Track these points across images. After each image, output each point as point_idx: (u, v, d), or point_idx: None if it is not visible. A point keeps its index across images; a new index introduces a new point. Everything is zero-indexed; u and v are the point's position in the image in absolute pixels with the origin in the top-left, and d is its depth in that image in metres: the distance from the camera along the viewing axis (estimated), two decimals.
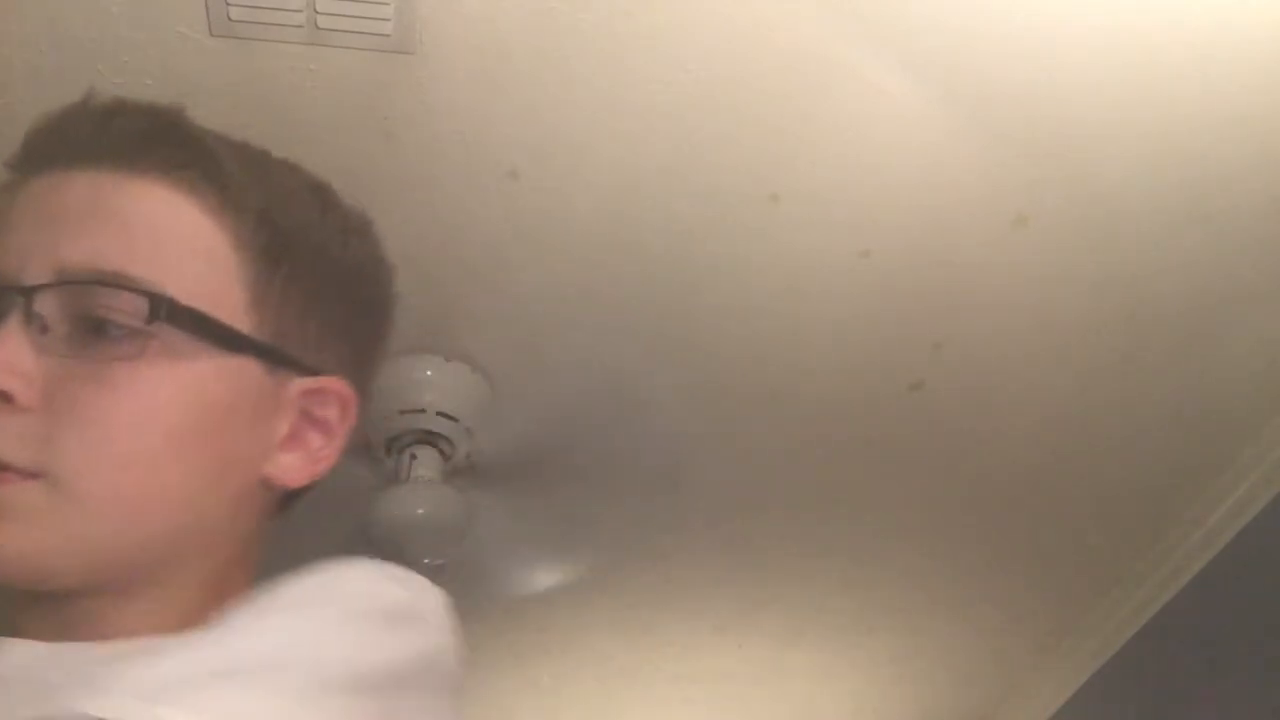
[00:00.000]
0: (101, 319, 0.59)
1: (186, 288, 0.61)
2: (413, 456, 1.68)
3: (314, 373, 0.66)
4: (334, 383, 0.67)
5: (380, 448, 1.71)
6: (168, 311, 0.60)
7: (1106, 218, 1.48)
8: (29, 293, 0.59)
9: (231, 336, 0.62)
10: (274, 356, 0.64)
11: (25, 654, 0.59)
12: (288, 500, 0.69)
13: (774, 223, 1.46)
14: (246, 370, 0.63)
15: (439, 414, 1.67)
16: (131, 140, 0.64)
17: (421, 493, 1.65)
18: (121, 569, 0.61)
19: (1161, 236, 1.50)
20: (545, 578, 2.14)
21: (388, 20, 1.21)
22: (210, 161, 0.65)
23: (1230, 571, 1.98)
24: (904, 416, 1.77)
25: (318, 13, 1.20)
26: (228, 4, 1.18)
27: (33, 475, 0.58)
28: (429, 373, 1.66)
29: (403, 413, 1.67)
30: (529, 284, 1.54)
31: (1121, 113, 1.35)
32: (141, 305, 0.59)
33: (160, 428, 0.60)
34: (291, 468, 0.66)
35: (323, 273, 0.67)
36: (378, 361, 0.72)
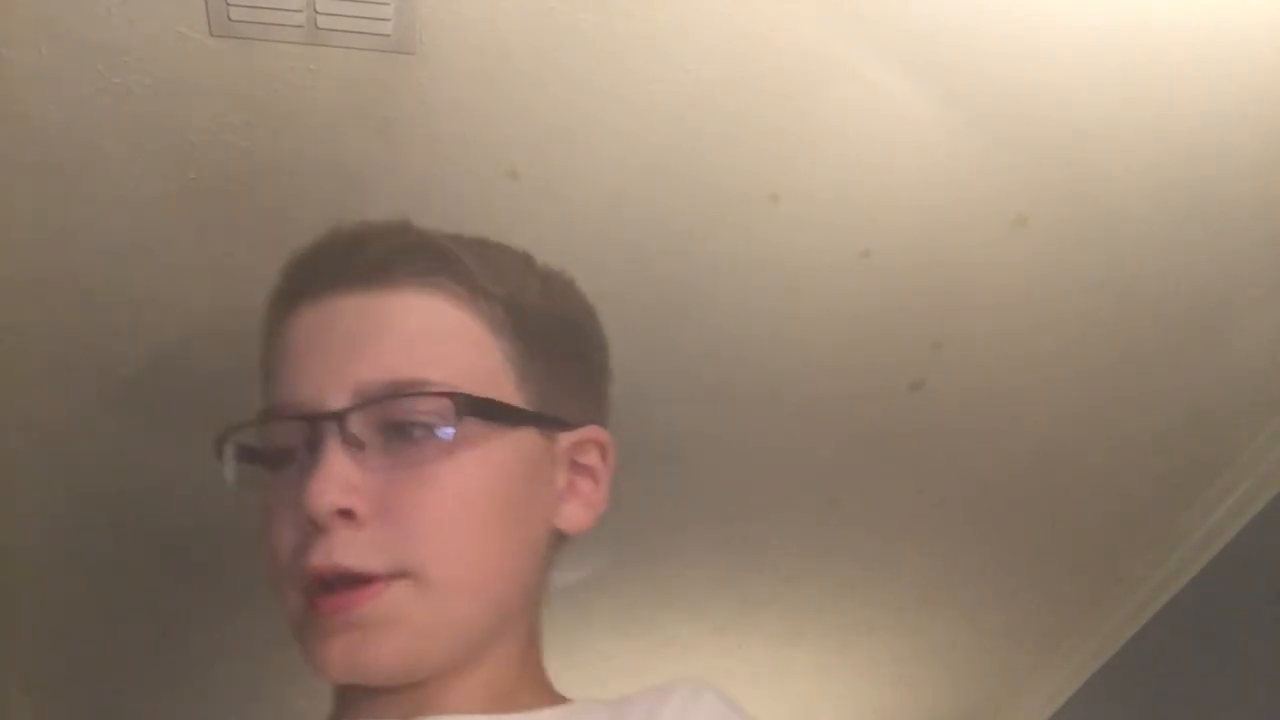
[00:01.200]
0: (409, 424, 0.66)
1: (470, 379, 0.68)
2: None
3: (574, 426, 0.74)
4: (591, 431, 0.76)
5: None
6: (467, 406, 0.66)
7: (1106, 218, 1.48)
8: (341, 416, 0.65)
9: (516, 414, 0.69)
10: (545, 422, 0.72)
11: None
12: (563, 546, 0.78)
13: (774, 223, 1.46)
14: (529, 440, 0.71)
15: None
16: (383, 260, 0.71)
17: None
18: (471, 647, 0.69)
19: (1161, 236, 1.50)
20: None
21: (388, 20, 1.21)
22: (455, 263, 0.72)
23: (1230, 571, 1.98)
24: (904, 416, 1.77)
25: (318, 13, 1.20)
26: (228, 4, 1.18)
27: (394, 578, 0.64)
28: None
29: None
30: None
31: (1121, 113, 1.35)
32: (444, 405, 0.66)
33: (481, 508, 0.67)
34: (574, 516, 0.75)
35: (558, 336, 0.76)
36: (609, 401, 0.81)
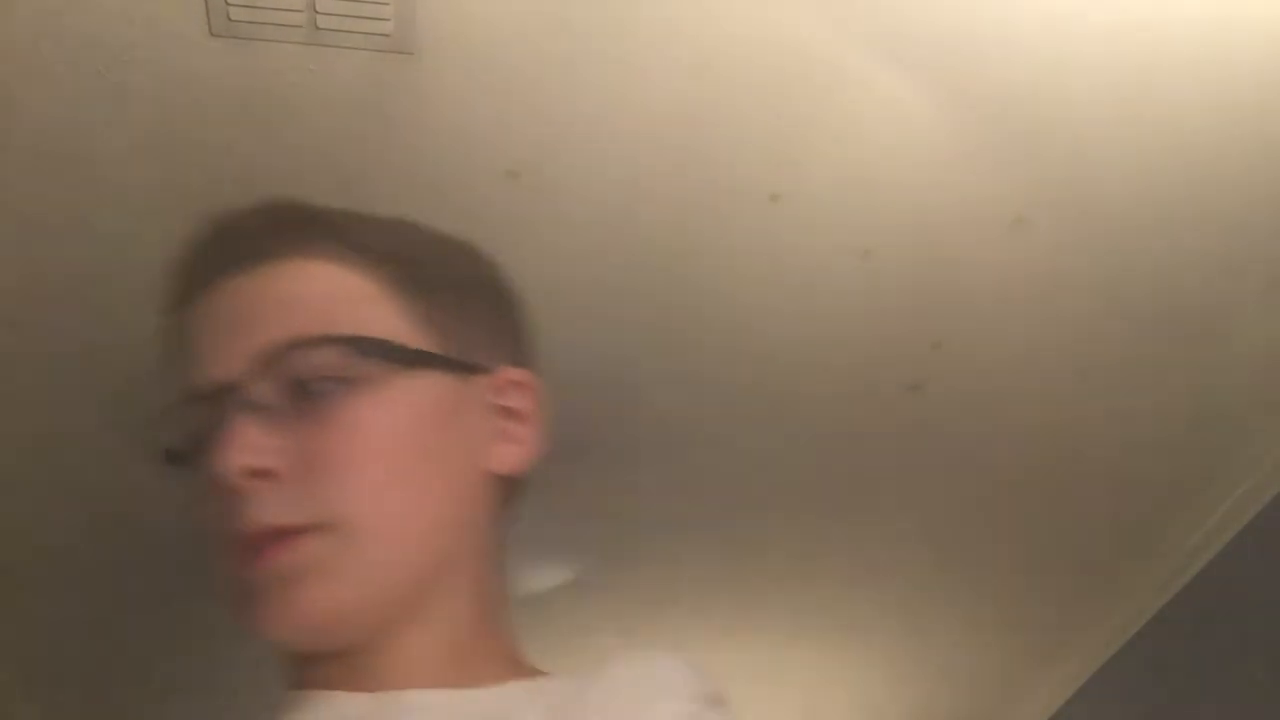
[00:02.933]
0: (309, 378, 0.67)
1: (364, 330, 0.69)
2: None
3: (494, 370, 0.75)
4: (514, 373, 0.77)
5: None
6: (364, 348, 0.68)
7: (1106, 218, 1.48)
8: (240, 385, 0.67)
9: (416, 355, 0.70)
10: (455, 365, 0.72)
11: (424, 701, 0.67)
12: (509, 497, 0.78)
13: (774, 223, 1.46)
14: (440, 383, 0.71)
15: None
16: (264, 236, 0.72)
17: None
18: (407, 596, 0.68)
19: (1161, 236, 1.50)
20: (545, 577, 2.14)
21: (388, 20, 1.21)
22: (337, 228, 0.74)
23: (1230, 572, 1.98)
24: (903, 416, 1.77)
25: (318, 13, 1.20)
26: (228, 4, 1.18)
27: (318, 529, 0.65)
28: None
29: None
30: (529, 284, 1.53)
31: (1121, 113, 1.35)
32: (341, 351, 0.67)
33: (394, 450, 0.68)
34: (507, 457, 0.75)
35: (457, 287, 0.76)
36: (533, 352, 0.83)
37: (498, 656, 0.74)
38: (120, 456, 1.66)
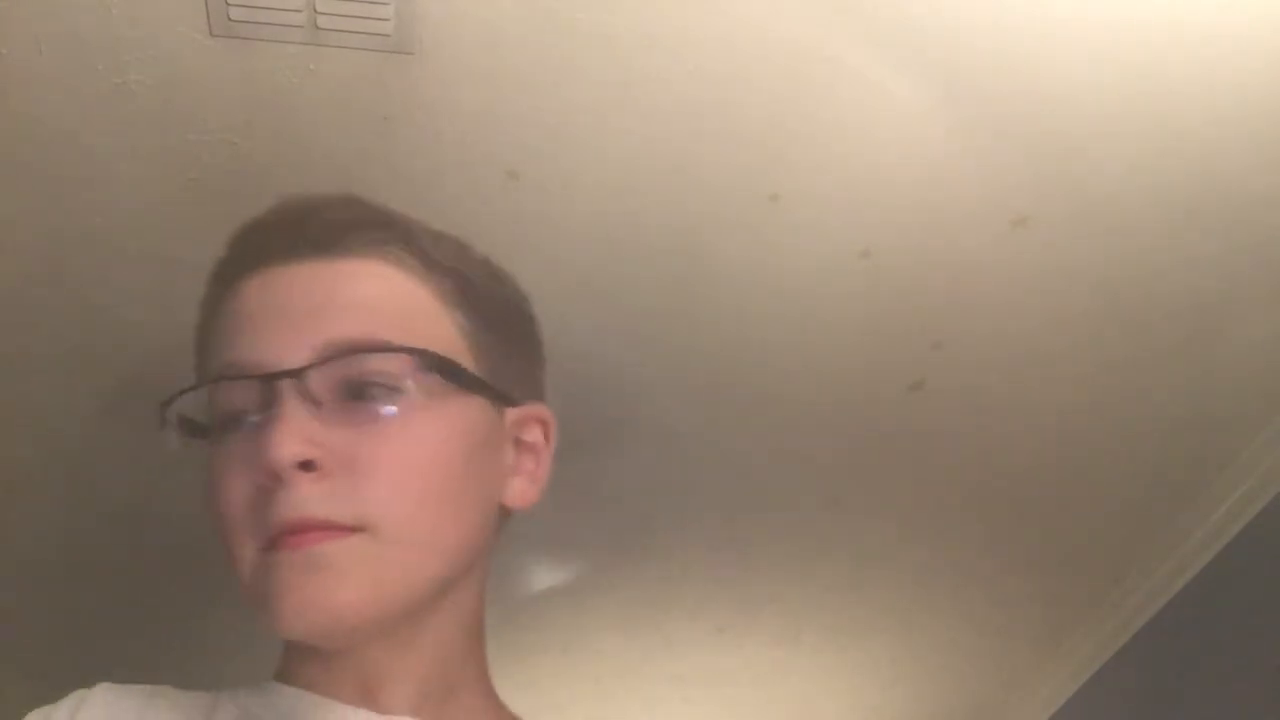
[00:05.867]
0: (367, 383, 0.67)
1: (427, 343, 0.69)
2: None
3: (520, 403, 0.75)
4: (535, 409, 0.77)
5: None
6: (429, 363, 0.67)
7: (1106, 218, 1.48)
8: (301, 373, 0.66)
9: (472, 379, 0.70)
10: (496, 394, 0.72)
11: None
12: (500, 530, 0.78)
13: (774, 223, 1.46)
14: (481, 409, 0.71)
15: None
16: (336, 229, 0.71)
17: None
18: (416, 606, 0.68)
19: (1161, 236, 1.50)
20: (545, 578, 2.14)
21: (388, 20, 1.21)
22: (406, 234, 0.74)
23: (1230, 572, 1.98)
24: (904, 416, 1.77)
25: (318, 13, 1.20)
26: (228, 4, 1.18)
27: (353, 529, 0.64)
28: None
29: None
30: (529, 283, 1.53)
31: (1121, 112, 1.35)
32: (405, 362, 0.67)
33: (438, 467, 0.68)
34: (519, 491, 0.75)
35: (504, 314, 0.77)
36: (545, 387, 0.82)
37: (479, 698, 0.74)
38: (123, 457, 1.66)
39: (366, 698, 0.69)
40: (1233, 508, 1.94)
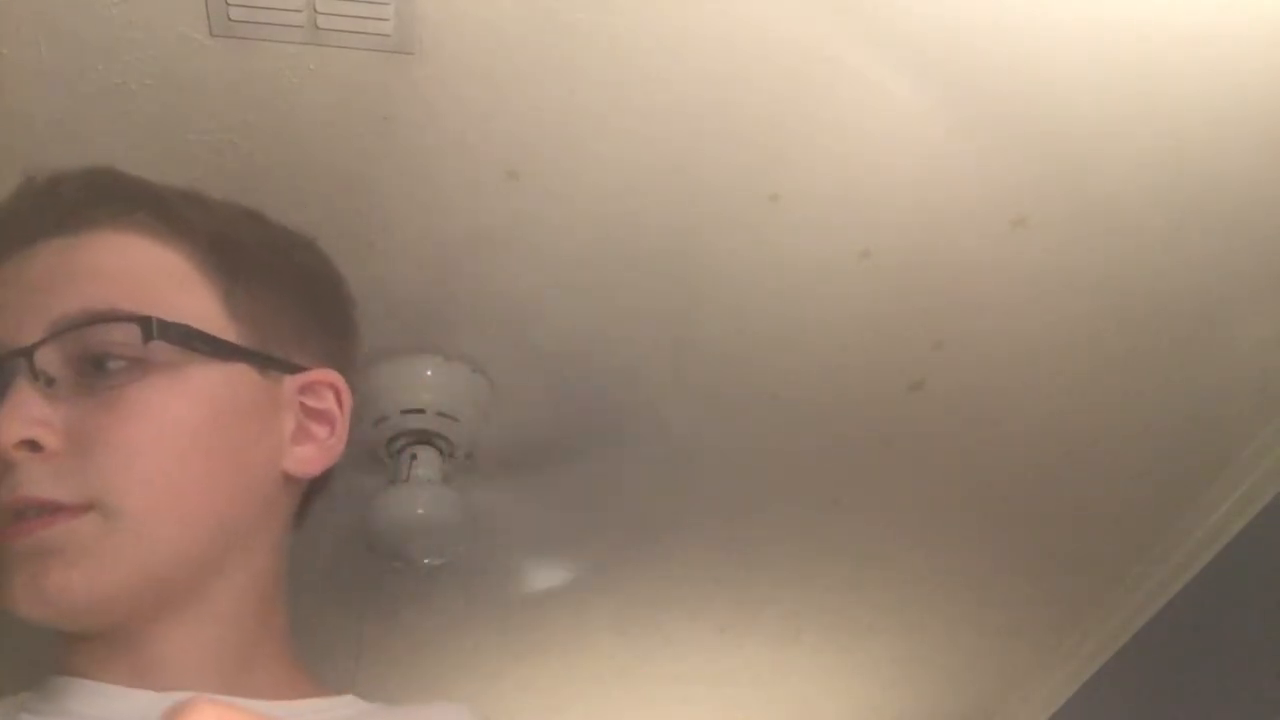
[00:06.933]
0: (101, 354, 0.64)
1: (168, 311, 0.66)
2: (413, 456, 1.68)
3: (302, 369, 0.71)
4: (323, 374, 0.72)
5: (380, 448, 1.71)
6: (158, 330, 0.64)
7: (1106, 218, 1.48)
8: (30, 350, 0.64)
9: (218, 345, 0.67)
10: (261, 359, 0.69)
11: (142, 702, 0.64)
12: (306, 501, 0.74)
13: (774, 223, 1.46)
14: (241, 375, 0.68)
15: (439, 414, 1.67)
16: (80, 203, 0.69)
17: (421, 493, 1.65)
18: (174, 587, 0.65)
19: (1161, 236, 1.50)
20: (545, 578, 2.14)
21: (388, 20, 1.21)
22: (152, 201, 0.70)
23: (1230, 571, 1.98)
24: (904, 416, 1.77)
25: (318, 13, 1.20)
26: (228, 4, 1.18)
27: (83, 509, 0.62)
28: (429, 373, 1.66)
29: (403, 413, 1.67)
30: (529, 284, 1.54)
31: (1121, 112, 1.35)
32: (134, 331, 0.64)
33: (179, 439, 0.65)
34: (306, 459, 0.71)
35: (279, 279, 0.72)
36: (355, 357, 0.78)
37: (281, 669, 0.71)
38: None
39: (145, 677, 0.66)
40: (1233, 508, 1.94)
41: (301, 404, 0.71)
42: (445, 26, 1.23)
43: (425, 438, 1.69)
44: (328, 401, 0.72)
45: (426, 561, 1.71)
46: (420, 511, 1.64)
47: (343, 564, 1.93)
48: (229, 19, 1.19)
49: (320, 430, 0.72)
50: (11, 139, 1.28)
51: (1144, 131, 1.37)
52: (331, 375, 0.73)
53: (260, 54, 1.23)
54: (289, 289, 0.73)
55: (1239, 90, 1.32)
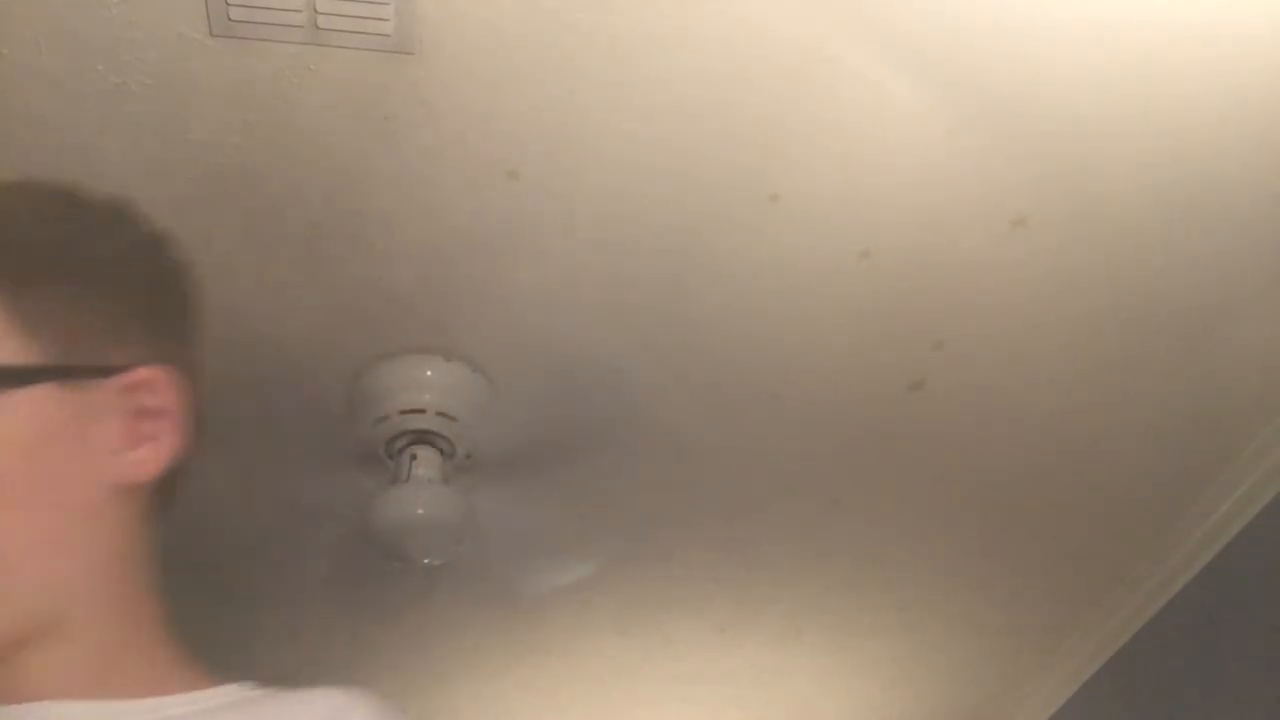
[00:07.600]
0: None
1: None
2: (413, 456, 1.68)
3: (119, 369, 0.65)
4: (144, 372, 0.66)
5: (380, 448, 1.71)
6: None
7: (1106, 218, 1.48)
8: None
9: (8, 373, 0.61)
10: (65, 373, 0.63)
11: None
12: (159, 500, 0.69)
13: (774, 223, 1.46)
14: (45, 396, 0.62)
15: (439, 414, 1.67)
16: None
17: (421, 493, 1.65)
18: (19, 628, 0.61)
19: (1161, 236, 1.50)
20: (545, 578, 2.14)
21: (388, 20, 1.21)
22: None
23: (1230, 571, 1.98)
24: (904, 416, 1.77)
25: (318, 13, 1.20)
26: (228, 4, 1.18)
27: None
28: (429, 373, 1.66)
29: (403, 413, 1.67)
30: (529, 284, 1.54)
31: (1121, 112, 1.35)
32: None
33: None
34: (141, 462, 0.65)
35: (81, 274, 0.66)
36: (190, 330, 0.71)
37: (155, 665, 0.68)
38: None
39: (9, 695, 0.63)
40: (1233, 508, 1.94)
41: (128, 405, 0.65)
42: (445, 26, 1.23)
43: (425, 438, 1.69)
44: (160, 397, 0.66)
45: (426, 561, 1.71)
46: (420, 511, 1.64)
47: (343, 564, 1.93)
48: (229, 19, 1.19)
49: (156, 428, 0.66)
50: (11, 139, 1.28)
51: (1144, 131, 1.37)
52: (153, 371, 0.66)
53: (260, 54, 1.23)
54: (95, 282, 0.66)
55: (1239, 90, 1.32)
